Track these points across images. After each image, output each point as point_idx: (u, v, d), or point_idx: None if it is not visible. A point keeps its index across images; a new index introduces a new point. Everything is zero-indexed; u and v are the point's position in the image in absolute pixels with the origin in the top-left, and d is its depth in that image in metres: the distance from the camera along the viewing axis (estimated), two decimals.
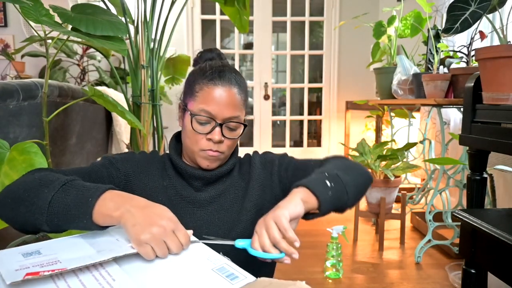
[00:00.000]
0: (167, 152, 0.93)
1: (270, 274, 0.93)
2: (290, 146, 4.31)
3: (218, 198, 0.88)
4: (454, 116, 2.49)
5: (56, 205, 0.65)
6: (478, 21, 1.21)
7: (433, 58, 1.97)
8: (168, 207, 0.73)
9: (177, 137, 0.93)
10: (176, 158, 0.88)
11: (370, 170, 2.24)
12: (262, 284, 0.58)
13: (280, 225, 0.64)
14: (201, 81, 0.83)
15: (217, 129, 0.81)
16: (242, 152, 0.94)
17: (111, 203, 0.64)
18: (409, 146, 2.19)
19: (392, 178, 2.08)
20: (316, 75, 4.62)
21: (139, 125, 1.35)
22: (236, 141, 0.88)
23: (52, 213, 0.65)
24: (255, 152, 0.97)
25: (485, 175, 1.29)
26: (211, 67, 0.85)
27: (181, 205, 0.86)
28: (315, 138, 4.66)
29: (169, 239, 0.62)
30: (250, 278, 0.60)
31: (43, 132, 1.27)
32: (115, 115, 2.47)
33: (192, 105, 0.83)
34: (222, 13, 3.91)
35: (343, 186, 0.74)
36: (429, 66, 2.02)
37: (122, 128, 2.54)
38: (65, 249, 0.63)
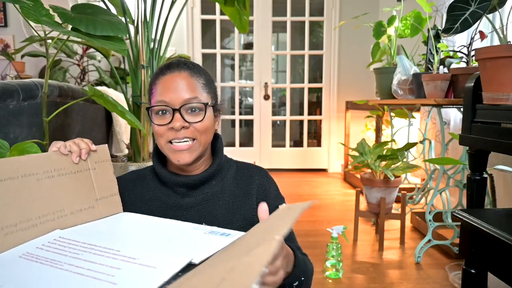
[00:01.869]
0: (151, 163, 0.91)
1: None
2: (290, 146, 4.32)
3: (206, 203, 0.84)
4: (454, 116, 2.49)
5: None
6: (478, 21, 1.21)
7: (433, 58, 1.97)
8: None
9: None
10: (159, 168, 0.86)
11: (370, 170, 2.24)
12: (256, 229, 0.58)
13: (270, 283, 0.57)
14: (154, 80, 0.84)
15: (176, 115, 0.79)
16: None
17: None
18: (409, 146, 2.19)
19: (392, 178, 2.08)
20: (316, 75, 4.62)
21: (139, 125, 1.35)
22: (207, 126, 0.82)
23: None
24: (267, 174, 0.92)
25: (485, 175, 1.29)
26: (161, 65, 0.86)
27: (170, 212, 0.83)
28: (315, 138, 4.66)
29: (76, 141, 0.76)
30: (241, 233, 0.66)
31: (43, 132, 1.27)
32: (115, 115, 2.47)
33: (151, 103, 0.83)
34: (222, 13, 3.92)
35: None
36: (429, 66, 2.02)
37: (122, 128, 2.54)
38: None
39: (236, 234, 0.67)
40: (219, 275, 0.39)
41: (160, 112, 0.80)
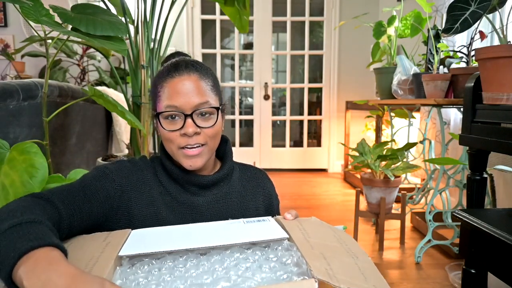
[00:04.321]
0: (156, 155, 0.89)
1: None
2: (290, 146, 4.32)
3: (216, 204, 0.85)
4: (454, 116, 2.49)
5: None
6: (478, 21, 1.21)
7: (433, 58, 1.97)
8: (167, 213, 0.72)
9: None
10: (169, 164, 0.84)
11: (370, 170, 2.24)
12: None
13: None
14: (160, 81, 0.81)
15: (189, 120, 0.77)
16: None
17: (33, 265, 0.48)
18: (409, 146, 2.19)
19: (392, 178, 2.08)
20: (316, 75, 4.62)
21: (139, 125, 1.34)
22: (217, 130, 0.82)
23: None
24: (267, 175, 0.98)
25: (485, 175, 1.29)
26: (167, 64, 0.83)
27: (179, 210, 0.82)
28: (315, 138, 4.66)
29: None
30: (270, 218, 0.75)
31: (43, 132, 1.27)
32: (115, 115, 2.47)
33: (160, 107, 0.79)
34: (222, 13, 3.92)
35: None
36: (429, 66, 2.02)
37: (122, 128, 2.54)
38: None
39: (269, 220, 0.74)
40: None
41: (170, 117, 0.78)
